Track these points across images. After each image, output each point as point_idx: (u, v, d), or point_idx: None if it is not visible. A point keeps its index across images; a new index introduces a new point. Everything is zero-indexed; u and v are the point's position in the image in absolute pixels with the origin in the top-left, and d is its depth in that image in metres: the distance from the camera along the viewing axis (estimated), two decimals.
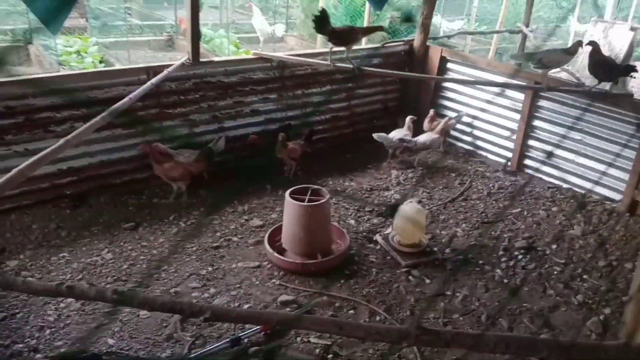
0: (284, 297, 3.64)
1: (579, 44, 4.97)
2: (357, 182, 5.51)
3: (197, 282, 3.75)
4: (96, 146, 4.71)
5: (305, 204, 3.94)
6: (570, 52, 4.93)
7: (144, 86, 4.23)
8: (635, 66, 4.67)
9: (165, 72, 4.71)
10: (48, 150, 2.87)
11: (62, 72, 5.49)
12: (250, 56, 5.62)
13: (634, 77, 5.06)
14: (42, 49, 8.49)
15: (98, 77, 4.65)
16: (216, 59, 5.43)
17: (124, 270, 3.84)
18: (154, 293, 3.61)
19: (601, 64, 4.82)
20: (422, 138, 5.89)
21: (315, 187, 4.21)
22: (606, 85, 5.28)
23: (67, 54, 8.78)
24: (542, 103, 5.64)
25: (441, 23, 11.54)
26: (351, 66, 5.20)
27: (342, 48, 5.12)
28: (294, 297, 3.66)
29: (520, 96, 5.80)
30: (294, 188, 4.15)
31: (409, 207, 4.22)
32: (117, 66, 8.35)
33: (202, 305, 1.81)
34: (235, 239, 4.34)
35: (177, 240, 4.24)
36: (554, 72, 5.25)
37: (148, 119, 4.93)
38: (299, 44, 11.38)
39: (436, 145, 5.96)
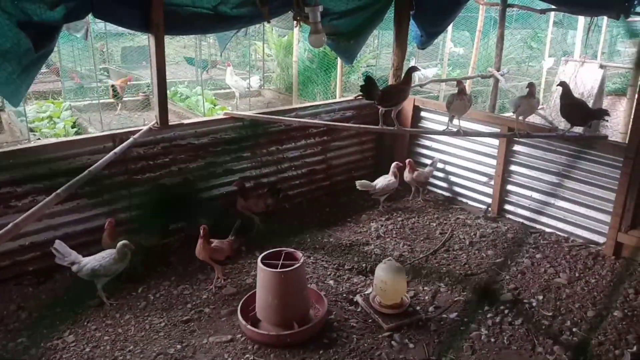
0: None
1: (531, 85, 4.76)
2: (335, 237, 5.34)
3: None
4: (60, 219, 4.51)
5: (278, 270, 3.75)
6: (527, 97, 4.70)
7: (107, 156, 4.09)
8: (607, 110, 4.64)
9: (131, 139, 4.60)
10: None
11: (21, 146, 5.32)
12: (221, 116, 5.54)
13: (607, 121, 5.03)
14: (14, 116, 8.38)
15: (61, 147, 4.49)
16: (186, 121, 5.34)
17: (86, 353, 3.58)
18: None
19: (573, 108, 4.73)
20: (380, 183, 5.89)
21: (290, 250, 4.03)
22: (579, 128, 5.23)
23: (38, 120, 8.65)
24: (518, 148, 5.60)
25: None
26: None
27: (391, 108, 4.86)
28: None
29: (495, 142, 5.76)
30: (267, 252, 3.97)
31: (387, 266, 4.05)
32: (90, 130, 8.27)
33: None
34: (207, 310, 4.10)
35: (144, 315, 4.00)
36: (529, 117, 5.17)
37: (115, 186, 4.78)
38: (275, 98, 11.43)
39: (392, 188, 5.93)
